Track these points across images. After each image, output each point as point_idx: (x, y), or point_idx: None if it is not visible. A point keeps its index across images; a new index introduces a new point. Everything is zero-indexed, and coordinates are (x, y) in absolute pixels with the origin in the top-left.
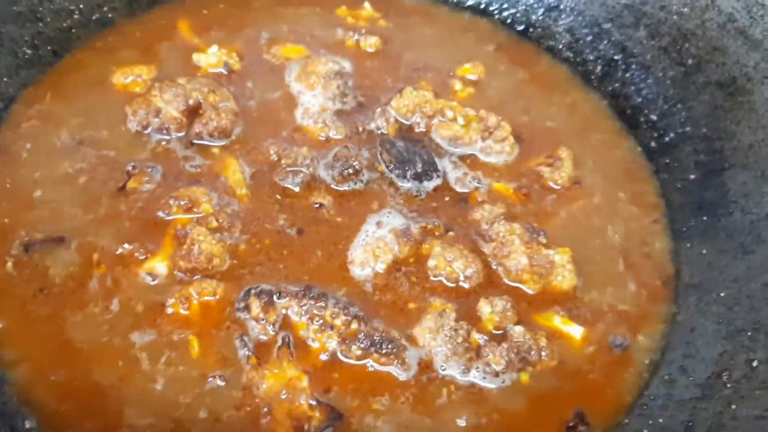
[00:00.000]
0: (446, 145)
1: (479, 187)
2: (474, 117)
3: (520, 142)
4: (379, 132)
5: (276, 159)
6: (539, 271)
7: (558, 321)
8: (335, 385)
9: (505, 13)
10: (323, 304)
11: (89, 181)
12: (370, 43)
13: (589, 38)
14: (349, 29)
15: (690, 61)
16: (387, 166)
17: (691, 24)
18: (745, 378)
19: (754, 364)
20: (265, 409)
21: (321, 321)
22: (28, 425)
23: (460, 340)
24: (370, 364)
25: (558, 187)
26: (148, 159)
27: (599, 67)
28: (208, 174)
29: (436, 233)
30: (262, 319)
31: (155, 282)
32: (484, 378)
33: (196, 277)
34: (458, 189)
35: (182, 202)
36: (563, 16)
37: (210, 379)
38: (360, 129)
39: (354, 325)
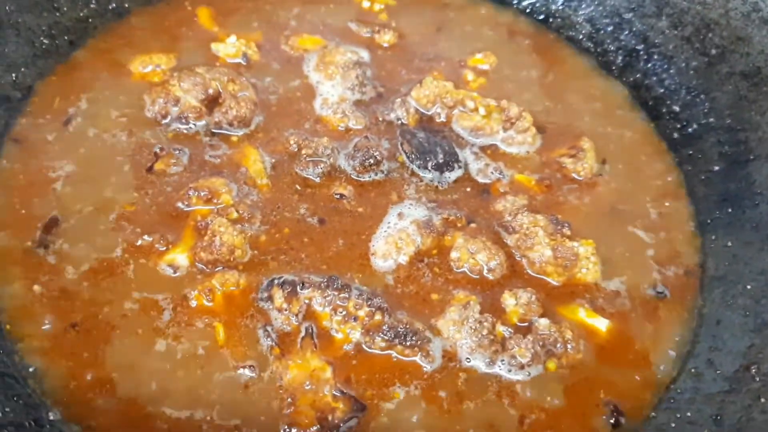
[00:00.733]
0: (467, 136)
1: (501, 178)
2: (495, 107)
3: (542, 133)
4: (399, 122)
5: (296, 149)
6: (563, 264)
7: (583, 314)
8: (359, 376)
9: (525, 3)
10: (346, 296)
11: (109, 168)
12: (386, 39)
13: (610, 28)
14: (365, 19)
15: (713, 51)
16: (408, 157)
17: (714, 13)
18: None
19: None
20: (289, 400)
21: (344, 312)
22: (52, 417)
23: (485, 332)
24: (394, 355)
25: (581, 179)
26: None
27: (620, 58)
28: (228, 164)
29: (459, 225)
30: (285, 310)
31: (177, 274)
32: (510, 370)
33: (218, 268)
34: (480, 180)
35: (202, 193)
36: (583, 6)
37: (235, 370)
38: (380, 119)
39: (377, 317)
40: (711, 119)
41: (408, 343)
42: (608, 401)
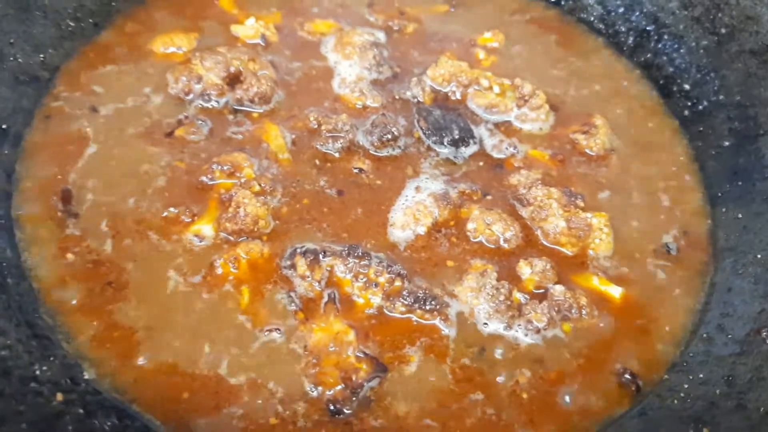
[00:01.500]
0: (482, 113)
1: (515, 154)
2: (509, 86)
3: (555, 110)
4: (416, 101)
5: (316, 125)
6: (577, 234)
7: (597, 281)
8: (380, 338)
9: None
10: (367, 263)
11: (134, 143)
12: (400, 24)
13: (621, 10)
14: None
15: (723, 31)
16: (424, 133)
17: None
18: None
19: None
20: (314, 361)
21: (365, 279)
22: (86, 376)
23: (501, 298)
24: (414, 319)
25: (593, 154)
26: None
27: (631, 38)
28: (250, 139)
29: (474, 198)
30: (308, 277)
31: (202, 243)
32: (526, 334)
33: (242, 238)
34: (495, 155)
35: (225, 167)
36: None
37: (261, 333)
38: (396, 98)
39: (397, 283)
40: (721, 96)
41: (427, 307)
42: (622, 365)
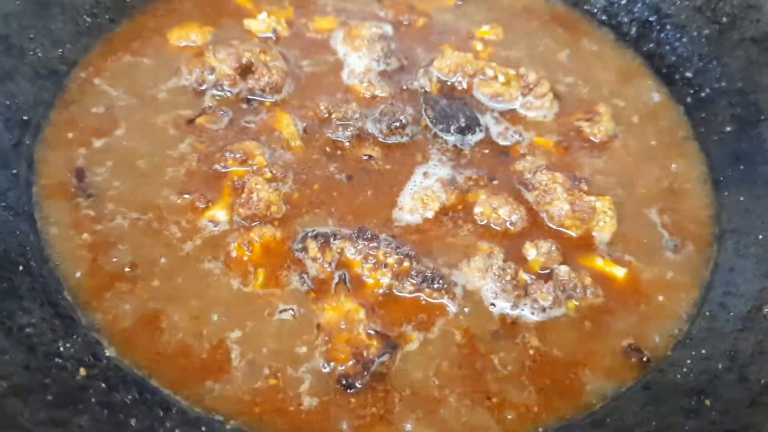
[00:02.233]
0: (487, 102)
1: (520, 141)
2: (514, 75)
3: (559, 99)
4: (423, 90)
5: (326, 114)
6: (581, 217)
7: (601, 262)
8: (390, 316)
9: None
10: (376, 245)
11: (151, 131)
12: (408, 18)
13: (624, 1)
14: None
15: (724, 19)
16: (431, 121)
17: None
18: None
19: None
20: (326, 338)
21: (374, 260)
22: (108, 353)
23: (508, 278)
24: (423, 297)
25: (597, 141)
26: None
27: (634, 29)
28: (262, 128)
29: (481, 183)
30: (319, 259)
31: (217, 228)
32: (533, 313)
33: (255, 223)
34: (500, 142)
35: (237, 155)
36: None
37: (275, 312)
38: (404, 88)
39: (406, 263)
40: (723, 83)
41: (435, 287)
42: (627, 341)
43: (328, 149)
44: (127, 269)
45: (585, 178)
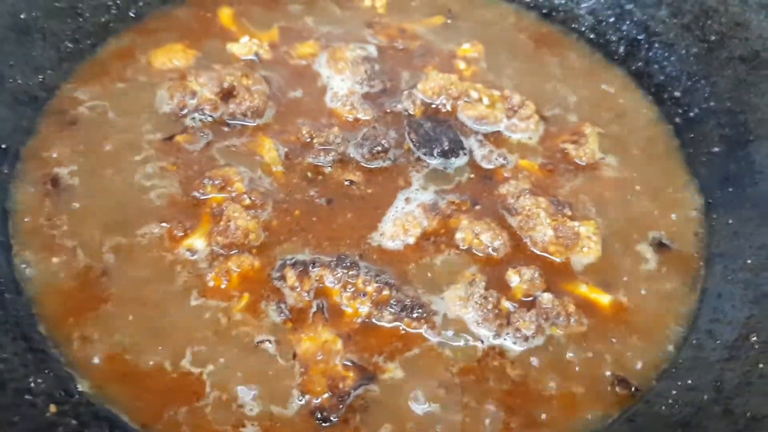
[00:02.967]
0: (472, 124)
1: (505, 164)
2: (498, 97)
3: (545, 120)
4: (406, 113)
5: (308, 139)
6: (564, 243)
7: (585, 289)
8: (368, 347)
9: None
10: (355, 273)
11: (128, 158)
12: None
13: (612, 19)
14: (373, 23)
15: (713, 38)
16: (414, 145)
17: (712, 1)
18: None
19: None
20: (302, 369)
21: (353, 288)
22: (80, 387)
23: (489, 306)
24: (402, 327)
25: (583, 163)
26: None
27: (622, 47)
28: (243, 152)
29: (463, 208)
30: (297, 288)
31: (194, 257)
32: (515, 342)
33: (233, 251)
34: (484, 165)
35: (216, 182)
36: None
37: (250, 342)
38: (387, 111)
39: (385, 292)
40: (712, 103)
41: (414, 316)
42: (612, 372)
43: (309, 174)
44: (100, 300)
45: (569, 203)
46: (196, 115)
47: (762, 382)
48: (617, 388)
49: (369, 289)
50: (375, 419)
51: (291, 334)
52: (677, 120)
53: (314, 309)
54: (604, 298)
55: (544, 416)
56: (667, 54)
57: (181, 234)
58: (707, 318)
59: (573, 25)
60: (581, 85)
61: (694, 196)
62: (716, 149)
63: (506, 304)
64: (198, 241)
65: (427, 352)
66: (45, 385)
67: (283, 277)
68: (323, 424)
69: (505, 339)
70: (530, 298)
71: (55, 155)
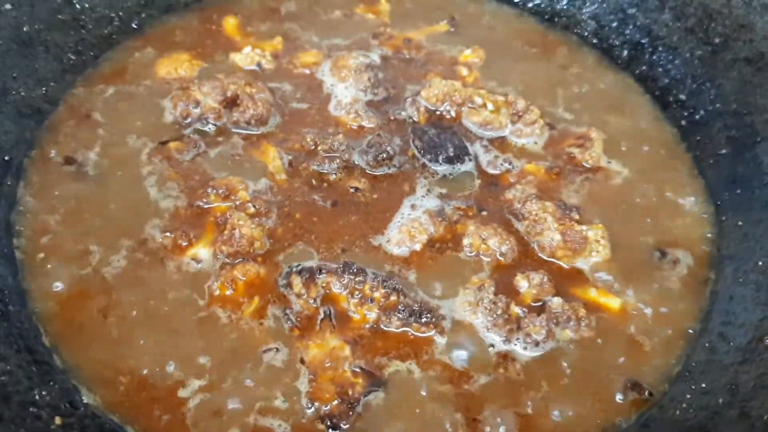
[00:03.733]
0: (477, 130)
1: (510, 169)
2: (503, 102)
3: (550, 125)
4: (410, 120)
5: (313, 147)
6: (573, 247)
7: (595, 293)
8: (377, 353)
9: (531, 4)
10: (362, 279)
11: (134, 166)
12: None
13: (615, 24)
14: (375, 32)
15: (717, 40)
16: (419, 152)
17: (716, 3)
18: None
19: None
20: (310, 376)
21: (361, 294)
22: (85, 400)
23: (499, 312)
24: (411, 332)
25: (589, 167)
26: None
27: (626, 52)
28: (248, 161)
29: (470, 213)
30: (304, 295)
31: (200, 266)
32: (525, 348)
33: (238, 260)
34: (490, 171)
35: (220, 191)
36: (587, 4)
37: (259, 350)
38: (391, 118)
39: (393, 297)
40: (717, 105)
41: (423, 321)
42: (625, 377)
43: (313, 182)
44: (105, 312)
45: (576, 207)
46: (199, 124)
47: None
48: (630, 393)
49: (376, 295)
50: (382, 424)
51: (299, 342)
52: (683, 123)
53: (321, 316)
54: (614, 302)
55: (556, 421)
56: (671, 57)
57: (186, 243)
58: (719, 321)
59: (576, 30)
60: (585, 89)
61: (703, 198)
62: (723, 151)
63: (516, 309)
64: (203, 251)
65: (435, 357)
66: (50, 398)
67: (289, 285)
68: (333, 431)
69: (515, 344)
70: (540, 303)
71: (59, 168)
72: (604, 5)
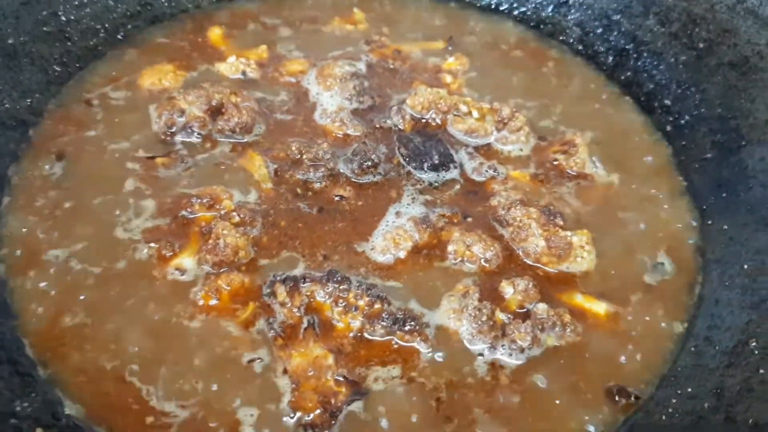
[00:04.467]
0: (462, 137)
1: (495, 176)
2: (488, 110)
3: (536, 131)
4: (396, 128)
5: (298, 155)
6: (557, 253)
7: (580, 298)
8: (361, 361)
9: (516, 12)
10: (347, 287)
11: (117, 180)
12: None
13: (600, 30)
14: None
15: (701, 45)
16: (404, 160)
17: (700, 8)
18: None
19: None
20: (293, 385)
21: (345, 303)
22: (68, 411)
23: (484, 318)
24: (395, 341)
25: (574, 173)
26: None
27: (611, 58)
28: (233, 169)
29: (455, 220)
30: (288, 304)
31: (184, 276)
32: (511, 354)
33: (223, 269)
34: (475, 178)
35: (204, 200)
36: (572, 11)
37: (241, 359)
38: (377, 126)
39: (377, 305)
40: (702, 110)
41: (407, 329)
42: (612, 382)
43: (299, 191)
44: (90, 323)
45: (560, 213)
46: (184, 134)
47: (763, 389)
48: (616, 398)
49: (360, 303)
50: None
51: (282, 351)
52: (668, 128)
53: (305, 325)
54: (599, 307)
55: (542, 428)
56: (656, 63)
57: (170, 254)
58: (705, 324)
59: (561, 37)
60: (571, 95)
61: (688, 203)
62: (709, 155)
63: (501, 316)
64: (187, 260)
65: (420, 364)
66: (31, 409)
67: (273, 294)
68: None
69: (501, 351)
70: (525, 309)
71: (43, 179)
72: (589, 12)
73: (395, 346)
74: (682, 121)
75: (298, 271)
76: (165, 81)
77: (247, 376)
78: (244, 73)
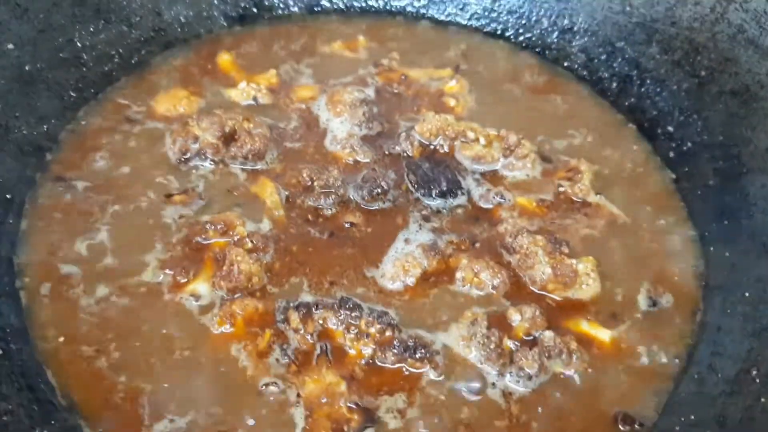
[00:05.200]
0: (469, 164)
1: (502, 203)
2: (495, 136)
3: (542, 158)
4: (405, 155)
5: (309, 182)
6: (563, 281)
7: (586, 325)
8: (372, 388)
9: (521, 38)
10: (358, 314)
11: (134, 204)
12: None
13: (603, 57)
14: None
15: (703, 73)
16: (413, 186)
17: (702, 37)
18: None
19: None
20: (306, 413)
21: (357, 330)
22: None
23: (492, 346)
24: (405, 368)
25: (579, 200)
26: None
27: (615, 84)
28: (245, 196)
29: (463, 247)
30: (301, 330)
31: (198, 303)
32: (518, 381)
33: (237, 295)
34: (482, 205)
35: (218, 227)
36: (577, 38)
37: (255, 386)
38: (386, 152)
39: (388, 333)
40: (704, 137)
41: (417, 356)
42: (616, 409)
43: (310, 217)
44: (108, 350)
45: (566, 241)
46: (198, 160)
47: (765, 417)
48: (620, 425)
49: (372, 330)
50: None
51: (295, 377)
52: (671, 154)
53: (318, 351)
54: (604, 335)
55: None
56: (659, 90)
57: (185, 280)
58: (708, 352)
59: (565, 63)
60: (575, 122)
61: (690, 229)
62: (710, 182)
63: (508, 343)
64: (202, 286)
65: (430, 392)
66: None
67: (286, 320)
68: None
69: (508, 378)
70: (531, 337)
71: (61, 205)
72: (593, 38)
73: (406, 374)
74: (685, 148)
75: (310, 298)
76: (180, 107)
77: (261, 403)
78: (255, 98)
